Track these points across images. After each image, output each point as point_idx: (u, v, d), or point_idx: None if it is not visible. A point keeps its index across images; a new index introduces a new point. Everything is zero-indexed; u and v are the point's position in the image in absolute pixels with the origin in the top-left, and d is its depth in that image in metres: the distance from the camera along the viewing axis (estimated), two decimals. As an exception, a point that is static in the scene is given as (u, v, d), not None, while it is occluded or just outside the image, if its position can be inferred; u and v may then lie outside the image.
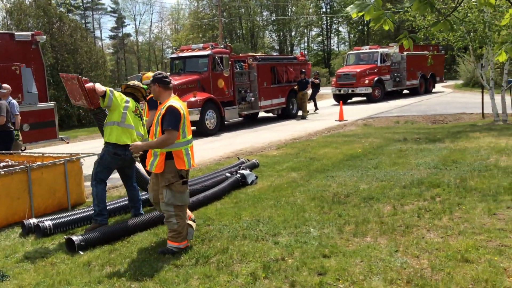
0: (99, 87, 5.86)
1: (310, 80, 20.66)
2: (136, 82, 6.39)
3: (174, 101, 5.02)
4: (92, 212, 5.94)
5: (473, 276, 3.93)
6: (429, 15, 14.69)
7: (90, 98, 5.94)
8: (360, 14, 2.93)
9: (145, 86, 6.32)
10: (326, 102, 27.28)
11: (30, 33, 11.61)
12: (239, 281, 4.15)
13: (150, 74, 5.97)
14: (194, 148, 5.28)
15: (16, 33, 11.35)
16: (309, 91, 20.97)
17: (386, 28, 3.02)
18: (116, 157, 5.80)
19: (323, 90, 24.97)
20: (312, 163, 9.48)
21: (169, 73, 18.59)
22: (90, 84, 5.92)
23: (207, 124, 15.96)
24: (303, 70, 20.50)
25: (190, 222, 5.19)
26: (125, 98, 5.96)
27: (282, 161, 9.89)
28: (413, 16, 15.55)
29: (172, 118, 4.86)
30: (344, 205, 6.29)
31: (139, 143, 5.21)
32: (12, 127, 8.73)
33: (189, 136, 5.11)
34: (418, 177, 7.58)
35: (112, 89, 5.93)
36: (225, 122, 17.29)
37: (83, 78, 6.08)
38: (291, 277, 4.14)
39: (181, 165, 4.95)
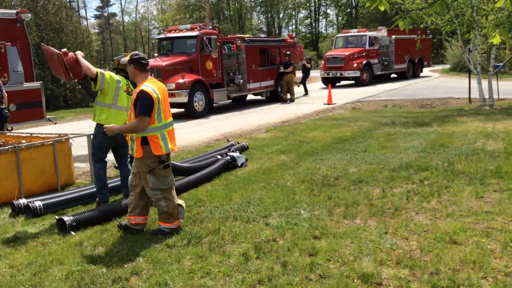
0: (84, 63, 5.73)
1: (292, 62, 20.13)
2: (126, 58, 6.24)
3: (148, 84, 4.85)
4: (82, 192, 5.92)
5: (461, 257, 4.02)
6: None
7: (71, 73, 5.82)
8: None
9: None
10: (314, 85, 27.27)
11: (15, 11, 11.38)
12: (231, 261, 4.19)
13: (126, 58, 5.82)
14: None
15: (0, 10, 11.11)
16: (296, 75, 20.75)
17: (382, 8, 3.02)
18: (106, 137, 5.70)
19: (311, 73, 24.87)
20: (302, 146, 9.52)
21: (156, 54, 18.41)
22: (70, 55, 5.78)
23: (196, 106, 15.87)
24: (288, 52, 20.25)
25: (180, 201, 5.18)
26: (116, 77, 5.85)
27: (271, 144, 9.91)
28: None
29: (143, 104, 4.71)
30: (333, 188, 6.35)
31: (113, 125, 5.08)
32: (4, 106, 8.60)
33: (168, 120, 4.95)
34: (406, 160, 7.67)
35: (102, 70, 5.82)
36: (214, 105, 17.21)
37: (62, 50, 5.93)
38: (282, 257, 4.19)
39: (157, 150, 4.82)
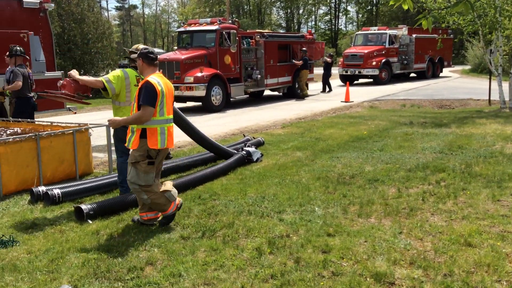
0: (86, 80, 5.62)
1: (307, 58, 19.88)
2: (141, 46, 6.19)
3: (154, 77, 4.88)
4: (100, 182, 6.05)
5: (476, 260, 4.00)
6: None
7: (81, 93, 5.72)
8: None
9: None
10: (332, 82, 27.09)
11: (38, 1, 11.51)
12: (244, 255, 4.22)
13: (140, 46, 5.80)
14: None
15: (25, -1, 11.27)
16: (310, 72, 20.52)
17: (406, 7, 3.01)
18: (125, 130, 5.79)
19: (318, 71, 24.67)
20: (317, 143, 9.51)
21: (176, 47, 18.50)
22: (67, 81, 5.59)
23: (213, 100, 15.93)
24: (304, 48, 20.11)
25: (166, 187, 5.04)
26: (123, 74, 5.72)
27: (287, 140, 9.92)
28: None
29: (146, 94, 4.74)
30: (349, 186, 6.34)
31: (117, 118, 5.13)
32: (31, 94, 8.71)
33: (168, 116, 4.96)
34: (423, 161, 7.62)
35: (106, 76, 5.73)
36: (231, 99, 17.25)
37: (59, 84, 5.71)
38: (295, 253, 4.22)
39: (153, 144, 4.81)
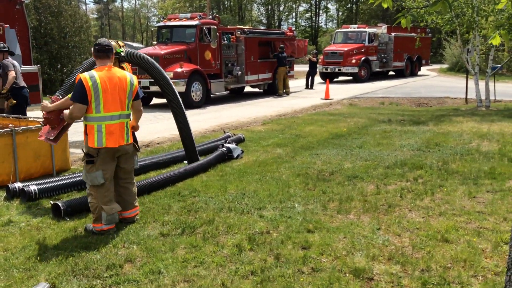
0: (57, 104, 4.99)
1: (280, 55, 19.85)
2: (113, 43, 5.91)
3: (92, 72, 4.66)
4: (77, 178, 5.96)
5: (452, 255, 4.06)
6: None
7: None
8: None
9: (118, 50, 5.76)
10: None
11: (14, -7, 11.30)
12: (224, 252, 4.22)
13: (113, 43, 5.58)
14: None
15: (0, -8, 11.04)
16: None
17: (385, 6, 3.03)
18: None
19: (303, 68, 24.84)
20: (298, 140, 9.55)
21: (155, 42, 18.33)
22: (49, 119, 5.09)
23: (193, 96, 15.84)
24: (282, 45, 20.04)
25: (109, 206, 4.71)
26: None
27: (267, 137, 9.93)
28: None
29: (75, 90, 4.58)
30: (328, 183, 6.38)
31: (47, 103, 4.96)
32: (24, 84, 8.61)
33: (107, 113, 4.62)
34: (401, 158, 7.72)
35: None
36: (211, 95, 17.19)
37: (44, 130, 5.32)
38: (276, 250, 4.23)
39: (90, 142, 4.61)
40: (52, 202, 5.30)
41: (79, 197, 5.58)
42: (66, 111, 4.86)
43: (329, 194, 5.86)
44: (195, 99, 15.94)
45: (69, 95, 4.88)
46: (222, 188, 6.20)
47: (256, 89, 20.61)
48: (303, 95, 19.78)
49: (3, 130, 6.49)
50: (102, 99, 4.59)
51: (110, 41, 5.73)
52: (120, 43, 6.34)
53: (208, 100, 16.77)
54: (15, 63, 8.63)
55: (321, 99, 17.78)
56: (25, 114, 8.63)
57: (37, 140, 6.70)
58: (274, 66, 19.87)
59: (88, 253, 4.21)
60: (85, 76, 4.57)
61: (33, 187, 5.76)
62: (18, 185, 5.90)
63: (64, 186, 6.03)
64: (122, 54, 5.88)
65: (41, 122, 5.59)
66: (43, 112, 5.07)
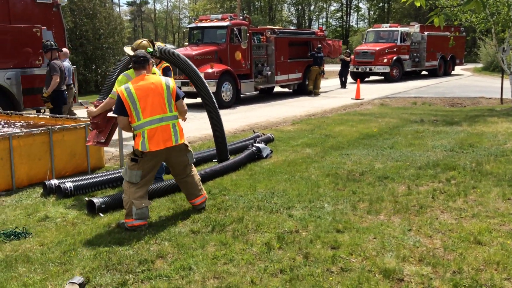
0: (101, 108, 5.54)
1: (316, 54, 20.09)
2: (144, 43, 5.99)
3: (127, 84, 4.98)
4: (111, 176, 6.15)
5: (485, 258, 3.99)
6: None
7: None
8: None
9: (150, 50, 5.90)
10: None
11: (51, -4, 11.62)
12: (254, 250, 4.26)
13: (144, 43, 5.90)
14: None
15: (38, -5, 11.38)
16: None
17: (418, 4, 3.01)
18: None
19: (336, 68, 24.76)
20: (327, 140, 9.51)
21: (187, 43, 18.55)
22: (97, 123, 5.63)
23: (223, 96, 15.96)
24: (319, 45, 20.20)
25: (140, 202, 4.87)
26: (127, 78, 5.57)
27: (297, 137, 9.93)
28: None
29: (116, 104, 4.99)
30: (358, 183, 6.34)
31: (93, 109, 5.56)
32: (65, 88, 8.99)
33: (148, 118, 4.87)
34: (434, 159, 7.60)
35: (113, 90, 5.69)
36: (241, 95, 17.27)
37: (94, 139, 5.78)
38: (304, 249, 4.24)
39: (136, 145, 4.90)
40: (87, 198, 5.45)
41: (113, 194, 5.72)
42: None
43: (359, 195, 5.82)
44: (225, 99, 16.06)
45: (110, 95, 5.42)
46: (252, 187, 6.25)
47: (286, 89, 20.60)
48: (333, 95, 19.66)
49: (41, 128, 6.71)
50: (140, 107, 4.86)
51: (142, 40, 5.91)
52: (161, 44, 6.57)
53: (238, 100, 16.87)
54: (64, 66, 8.95)
55: (352, 99, 17.64)
56: (61, 114, 8.96)
57: (73, 139, 6.93)
58: (304, 66, 19.84)
59: (121, 248, 4.31)
60: (121, 89, 4.91)
61: (68, 184, 5.94)
62: (54, 181, 6.10)
63: (98, 183, 6.19)
64: (154, 53, 6.02)
65: (89, 128, 5.90)
66: (90, 117, 5.55)
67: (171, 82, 5.13)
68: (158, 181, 6.18)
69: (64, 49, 10.20)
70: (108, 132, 5.65)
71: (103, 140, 5.64)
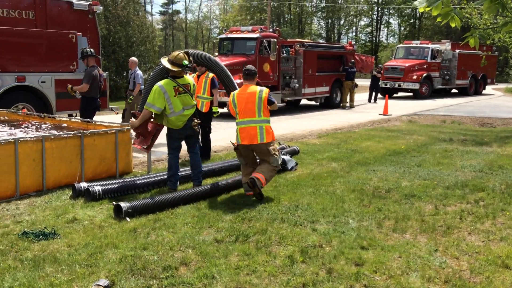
0: (140, 119, 6.36)
1: (349, 69, 20.47)
2: (181, 55, 6.28)
3: (236, 92, 6.49)
4: (139, 181, 6.32)
5: (513, 283, 3.90)
6: (486, 14, 14.24)
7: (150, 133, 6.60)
8: (428, 9, 2.91)
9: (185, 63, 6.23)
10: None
11: (87, 3, 11.93)
12: (277, 262, 4.25)
13: (178, 54, 6.32)
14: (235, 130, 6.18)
15: (75, 1, 11.69)
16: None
17: (453, 25, 2.99)
18: (175, 130, 6.39)
19: (367, 82, 24.74)
20: (353, 155, 9.46)
21: (217, 54, 18.75)
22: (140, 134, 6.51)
23: (250, 106, 16.01)
24: (353, 60, 20.47)
25: (245, 178, 6.35)
26: (161, 89, 6.07)
27: (322, 150, 9.90)
28: (469, 13, 15.09)
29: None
30: (384, 200, 6.28)
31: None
32: (97, 96, 9.31)
33: (242, 119, 6.29)
34: (462, 179, 7.47)
35: (147, 102, 6.21)
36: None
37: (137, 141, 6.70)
38: (328, 264, 4.22)
39: (235, 139, 6.41)
40: (114, 202, 5.55)
41: (140, 199, 5.80)
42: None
43: (385, 212, 5.77)
44: (252, 110, 16.10)
45: (145, 107, 6.24)
46: (276, 198, 6.25)
47: (313, 102, 20.58)
48: (360, 110, 19.55)
49: (73, 132, 6.88)
50: (238, 109, 6.32)
51: (179, 52, 6.19)
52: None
53: (264, 111, 16.87)
54: (98, 74, 9.19)
55: (379, 114, 17.50)
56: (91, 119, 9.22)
57: (103, 143, 7.08)
58: (332, 80, 19.83)
59: (146, 253, 4.37)
60: (232, 93, 6.48)
61: (97, 187, 6.06)
62: (83, 184, 6.22)
63: (126, 188, 6.30)
64: (190, 65, 6.41)
65: (134, 136, 6.80)
66: (133, 129, 6.53)
67: (264, 92, 6.33)
68: (195, 180, 6.60)
69: (132, 58, 11.32)
70: (150, 139, 6.56)
71: (145, 146, 6.62)
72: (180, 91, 6.18)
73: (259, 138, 6.25)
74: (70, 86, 9.18)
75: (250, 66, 6.56)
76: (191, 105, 6.33)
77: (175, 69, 6.17)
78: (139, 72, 10.86)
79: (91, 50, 9.31)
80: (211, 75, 8.51)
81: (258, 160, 6.61)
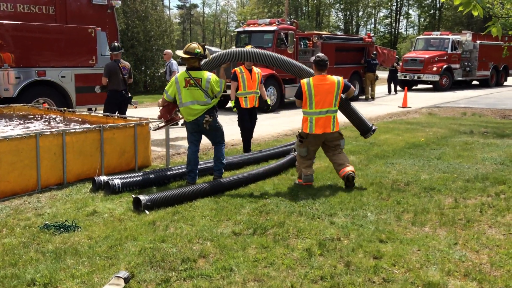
0: (162, 104, 6.59)
1: (376, 62, 20.71)
2: (193, 45, 6.38)
3: (309, 79, 6.51)
4: (157, 174, 6.45)
5: (535, 277, 3.84)
6: (508, 3, 13.95)
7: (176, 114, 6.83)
8: (449, -1, 2.86)
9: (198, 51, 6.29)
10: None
11: (106, -2, 12.02)
12: (294, 255, 4.26)
13: (192, 45, 6.41)
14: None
15: (94, -4, 11.80)
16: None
17: (475, 13, 2.95)
18: (189, 124, 6.44)
19: (385, 74, 24.60)
20: (372, 148, 9.38)
21: (234, 47, 18.75)
22: (162, 111, 6.67)
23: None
24: (375, 52, 20.58)
25: (306, 171, 6.56)
26: (175, 79, 6.34)
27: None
28: (491, 3, 14.79)
29: (296, 90, 6.60)
30: (403, 193, 6.23)
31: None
32: (124, 89, 9.45)
33: (318, 109, 6.41)
34: (483, 172, 7.36)
35: (165, 90, 6.48)
36: (285, 100, 17.28)
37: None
38: (346, 257, 4.21)
39: (304, 128, 6.55)
40: (134, 195, 5.61)
41: (158, 192, 5.86)
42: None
43: (404, 205, 5.72)
44: (269, 103, 16.09)
45: (164, 95, 6.44)
46: (293, 191, 6.25)
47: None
48: (379, 102, 19.36)
49: (93, 125, 6.97)
50: (314, 100, 6.39)
51: (194, 44, 6.22)
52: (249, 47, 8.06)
53: (282, 104, 16.88)
54: (119, 67, 9.30)
55: (398, 107, 17.31)
56: (114, 113, 9.32)
57: (122, 137, 7.16)
58: (351, 72, 19.68)
59: (164, 246, 4.41)
60: (303, 81, 6.50)
61: (117, 180, 6.13)
62: (103, 178, 6.31)
63: (145, 181, 6.36)
64: (202, 54, 6.47)
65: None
66: (161, 106, 6.67)
67: (341, 82, 6.49)
68: (217, 171, 6.64)
69: (167, 50, 12.24)
70: (167, 120, 6.72)
71: (160, 125, 7.23)
72: (190, 83, 6.22)
73: (332, 127, 6.53)
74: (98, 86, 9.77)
75: (321, 55, 6.63)
76: (203, 101, 6.23)
77: (186, 56, 6.26)
78: (174, 61, 11.76)
79: (115, 45, 9.41)
80: (259, 69, 8.59)
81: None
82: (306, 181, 6.53)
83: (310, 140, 6.55)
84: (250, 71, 8.44)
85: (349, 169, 6.44)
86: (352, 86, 6.80)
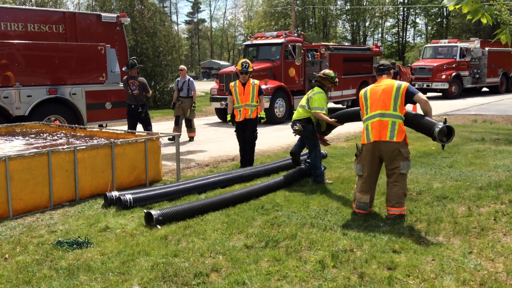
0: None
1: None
2: (327, 71, 7.63)
3: (370, 86, 5.94)
4: (168, 189, 6.41)
5: (553, 285, 3.78)
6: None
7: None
8: (458, 6, 2.87)
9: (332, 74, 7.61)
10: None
11: (115, 15, 12.20)
12: (307, 267, 4.23)
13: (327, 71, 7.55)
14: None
15: (103, 14, 11.97)
16: None
17: (484, 21, 2.94)
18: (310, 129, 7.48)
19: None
20: (383, 157, 9.32)
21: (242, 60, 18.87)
22: None
23: (276, 112, 16.06)
24: (397, 69, 20.67)
25: (363, 196, 5.68)
26: (324, 96, 7.59)
27: (350, 153, 9.79)
28: (498, 10, 14.74)
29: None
30: (415, 202, 6.18)
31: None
32: (135, 104, 10.02)
33: (371, 113, 5.64)
34: (495, 179, 7.28)
35: (318, 107, 7.64)
36: (293, 111, 17.26)
37: None
38: (359, 268, 4.17)
39: (362, 140, 5.76)
40: (145, 210, 5.63)
41: (170, 206, 5.87)
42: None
43: (417, 215, 5.67)
44: (278, 115, 16.15)
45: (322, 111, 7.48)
46: (305, 203, 6.23)
47: (339, 105, 20.45)
48: (388, 112, 19.27)
49: (103, 142, 7.02)
50: (369, 104, 5.71)
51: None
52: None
53: (290, 115, 16.84)
54: (128, 83, 9.83)
55: (408, 116, 17.21)
56: (132, 124, 9.72)
57: (133, 152, 7.20)
58: (359, 82, 19.68)
59: (177, 260, 4.41)
60: (361, 91, 5.96)
61: (128, 196, 6.16)
62: (115, 193, 6.33)
63: (156, 196, 6.38)
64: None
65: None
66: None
67: (403, 86, 5.61)
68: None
69: (182, 66, 12.93)
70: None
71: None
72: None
73: (389, 135, 5.46)
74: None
75: (382, 61, 6.22)
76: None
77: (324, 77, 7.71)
78: (191, 79, 12.31)
79: (128, 62, 9.81)
80: (256, 82, 8.67)
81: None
82: (358, 208, 5.71)
83: (364, 154, 5.67)
84: (244, 84, 8.46)
85: (392, 212, 5.56)
86: (420, 94, 5.69)
